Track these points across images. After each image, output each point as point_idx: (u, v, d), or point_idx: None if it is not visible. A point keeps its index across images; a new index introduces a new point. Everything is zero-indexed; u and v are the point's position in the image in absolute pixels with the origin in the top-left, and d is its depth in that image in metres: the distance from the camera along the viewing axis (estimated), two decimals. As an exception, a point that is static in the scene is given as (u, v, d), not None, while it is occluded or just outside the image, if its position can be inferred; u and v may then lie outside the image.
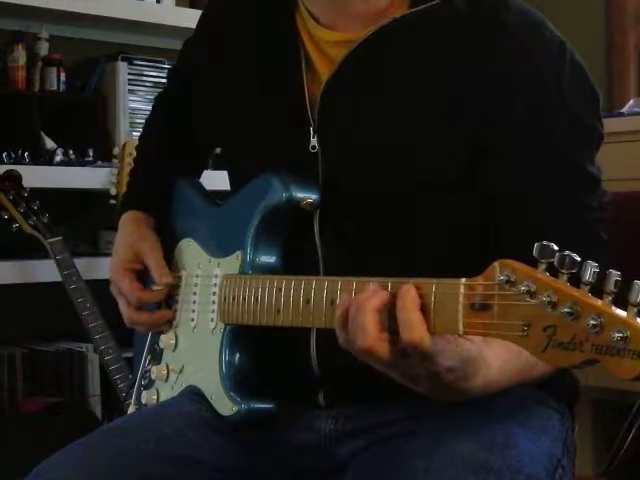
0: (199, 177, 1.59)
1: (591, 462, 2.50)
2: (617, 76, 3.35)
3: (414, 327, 1.00)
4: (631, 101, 2.80)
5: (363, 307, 1.03)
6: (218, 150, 1.60)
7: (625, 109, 2.73)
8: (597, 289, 0.89)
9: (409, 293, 1.02)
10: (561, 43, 1.24)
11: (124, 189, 2.38)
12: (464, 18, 1.23)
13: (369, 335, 1.02)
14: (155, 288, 1.41)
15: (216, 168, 1.68)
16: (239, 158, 1.40)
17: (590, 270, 0.89)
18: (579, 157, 1.23)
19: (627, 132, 2.50)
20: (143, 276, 1.44)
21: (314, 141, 1.28)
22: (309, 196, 1.26)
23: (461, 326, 0.99)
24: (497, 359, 1.08)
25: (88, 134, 2.76)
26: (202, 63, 1.46)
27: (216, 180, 1.64)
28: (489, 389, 1.10)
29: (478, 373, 1.06)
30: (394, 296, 1.03)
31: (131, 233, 1.47)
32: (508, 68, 1.20)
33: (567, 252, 0.91)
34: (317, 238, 1.27)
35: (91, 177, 2.59)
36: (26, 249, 2.46)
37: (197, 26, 1.50)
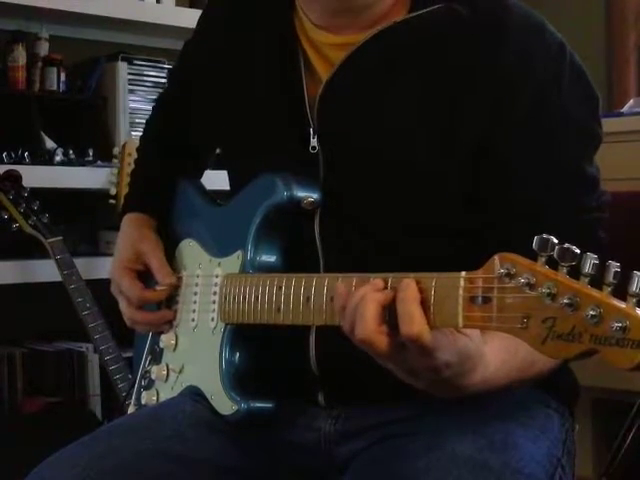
0: (200, 177, 1.59)
1: (591, 462, 2.50)
2: (617, 76, 3.35)
3: (414, 320, 1.01)
4: (631, 101, 2.80)
5: (366, 299, 1.03)
6: (218, 150, 1.60)
7: (625, 109, 2.73)
8: (597, 281, 0.90)
9: (409, 287, 1.02)
10: (561, 45, 1.24)
11: (124, 189, 2.39)
12: (464, 21, 1.23)
13: (368, 327, 1.02)
14: (158, 288, 1.41)
15: (216, 168, 1.68)
16: (239, 159, 1.41)
17: (590, 262, 0.90)
18: (578, 158, 1.23)
19: (627, 132, 2.50)
20: (143, 277, 1.44)
21: (314, 142, 1.28)
22: (310, 195, 1.26)
23: (461, 319, 0.99)
24: (495, 357, 1.08)
25: (88, 134, 2.76)
26: (202, 64, 1.46)
27: (216, 180, 1.64)
28: (486, 386, 1.10)
29: (476, 370, 1.06)
30: (395, 290, 1.04)
31: (132, 234, 1.48)
32: (508, 70, 1.20)
33: (567, 245, 0.91)
34: (317, 238, 1.27)
35: (91, 177, 2.58)
36: (26, 249, 2.46)
37: (197, 27, 1.51)
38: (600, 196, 1.24)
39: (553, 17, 1.29)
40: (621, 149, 2.37)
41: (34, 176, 2.43)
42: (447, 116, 1.22)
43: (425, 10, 1.24)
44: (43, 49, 2.73)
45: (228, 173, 1.45)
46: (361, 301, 1.04)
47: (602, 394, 2.33)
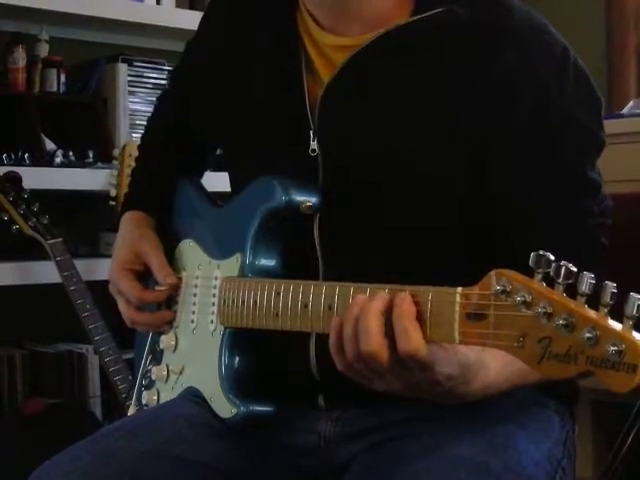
0: (200, 177, 1.59)
1: (591, 463, 2.49)
2: (617, 77, 3.35)
3: (410, 336, 1.01)
4: (631, 102, 2.80)
5: (367, 311, 1.03)
6: (219, 151, 1.60)
7: (625, 110, 2.73)
8: (594, 300, 0.89)
9: (405, 302, 1.02)
10: (564, 48, 1.24)
11: (124, 191, 2.38)
12: (467, 25, 1.22)
13: (374, 340, 1.02)
14: (159, 288, 1.41)
15: (216, 170, 1.68)
16: (239, 159, 1.40)
17: (586, 281, 0.89)
18: (580, 163, 1.23)
19: (627, 134, 2.49)
20: (143, 277, 1.44)
21: (314, 144, 1.28)
22: (309, 199, 1.26)
23: (457, 335, 0.99)
24: (495, 363, 1.08)
25: (88, 135, 2.75)
26: (203, 64, 1.46)
27: (216, 182, 1.64)
28: (488, 392, 1.10)
29: (477, 377, 1.06)
30: (391, 303, 1.03)
31: (132, 233, 1.48)
32: (510, 73, 1.20)
33: (563, 262, 0.90)
34: (317, 241, 1.27)
35: (91, 179, 2.58)
36: (26, 250, 2.46)
37: (199, 27, 1.51)
38: (602, 201, 1.24)
39: (553, 18, 1.29)
40: (621, 151, 2.37)
41: (34, 178, 2.42)
42: (448, 119, 1.22)
43: (427, 13, 1.23)
44: (43, 51, 2.72)
45: (229, 174, 1.44)
46: (362, 315, 1.04)
47: (602, 396, 2.33)
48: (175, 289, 1.42)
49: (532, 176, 1.21)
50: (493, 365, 1.08)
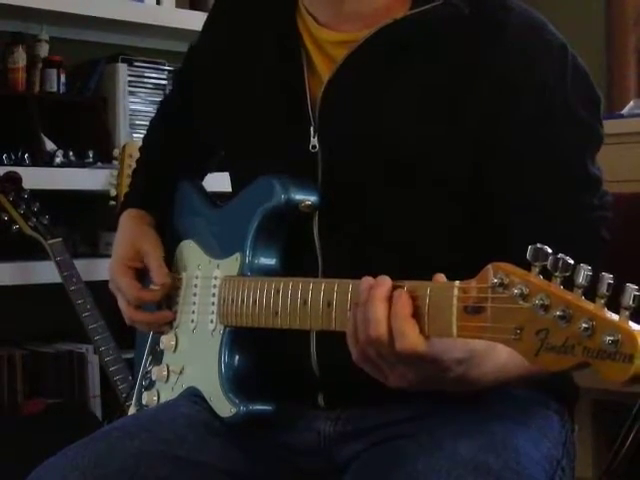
0: (202, 179, 1.59)
1: (591, 463, 2.50)
2: (617, 77, 3.35)
3: (405, 336, 1.02)
4: (631, 102, 2.81)
5: (373, 297, 1.04)
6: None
7: (625, 110, 2.74)
8: (590, 292, 0.89)
9: (399, 301, 1.03)
10: (562, 45, 1.24)
11: (124, 190, 2.39)
12: (465, 19, 1.23)
13: (382, 325, 1.03)
14: (153, 288, 1.41)
15: (217, 170, 1.68)
16: (240, 158, 1.41)
17: (583, 273, 0.89)
18: (580, 157, 1.23)
19: (627, 134, 2.50)
20: (143, 274, 1.44)
21: (314, 141, 1.28)
22: (308, 198, 1.26)
23: (455, 329, 0.99)
24: (505, 347, 1.08)
25: (88, 136, 2.75)
26: (205, 64, 1.46)
27: (216, 182, 1.64)
28: (501, 376, 1.10)
29: (488, 358, 1.07)
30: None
31: (132, 230, 1.48)
32: (510, 70, 1.20)
33: (560, 255, 0.91)
34: (316, 239, 1.27)
35: (91, 179, 2.58)
36: (26, 250, 2.46)
37: (202, 28, 1.51)
38: (603, 195, 1.24)
39: (553, 17, 1.29)
40: (621, 150, 2.37)
41: (34, 178, 2.43)
42: (447, 115, 1.22)
43: (425, 7, 1.24)
44: (43, 51, 2.72)
45: (229, 174, 1.44)
46: (368, 302, 1.04)
47: (602, 395, 2.33)
48: (174, 289, 1.42)
49: (532, 170, 1.21)
50: (503, 348, 1.07)
